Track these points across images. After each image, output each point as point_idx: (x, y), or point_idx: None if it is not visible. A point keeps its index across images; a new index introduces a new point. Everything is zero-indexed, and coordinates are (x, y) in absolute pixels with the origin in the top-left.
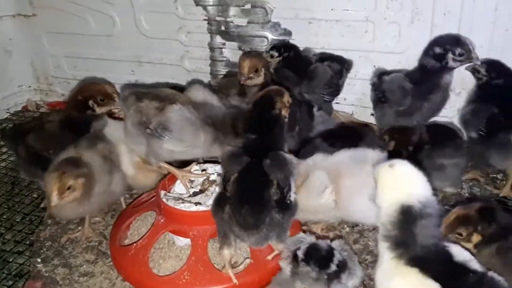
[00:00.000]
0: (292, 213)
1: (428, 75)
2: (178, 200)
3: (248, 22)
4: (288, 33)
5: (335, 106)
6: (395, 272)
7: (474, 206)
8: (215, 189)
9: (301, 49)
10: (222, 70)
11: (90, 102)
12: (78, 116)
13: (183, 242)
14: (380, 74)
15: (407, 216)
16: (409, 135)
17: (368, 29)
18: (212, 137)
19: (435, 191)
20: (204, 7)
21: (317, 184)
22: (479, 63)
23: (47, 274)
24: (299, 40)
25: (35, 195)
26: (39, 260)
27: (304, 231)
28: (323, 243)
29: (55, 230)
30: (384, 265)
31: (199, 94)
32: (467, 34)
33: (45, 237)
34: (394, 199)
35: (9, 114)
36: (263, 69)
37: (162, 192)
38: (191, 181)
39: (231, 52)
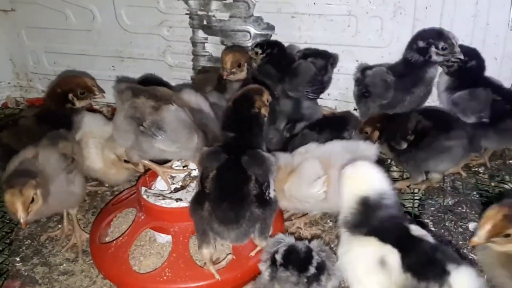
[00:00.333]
0: (273, 209)
1: (412, 69)
2: (158, 196)
3: (230, 16)
4: (271, 27)
5: (318, 101)
6: (354, 243)
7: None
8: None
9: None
10: (205, 65)
11: (70, 96)
12: (57, 110)
13: (164, 239)
14: (364, 69)
15: (366, 206)
16: (405, 124)
17: (351, 23)
18: (203, 142)
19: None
20: (186, 1)
21: (310, 173)
22: (462, 57)
23: (26, 273)
24: (282, 35)
25: None
26: (18, 259)
27: (286, 230)
28: (301, 245)
29: (35, 229)
30: (344, 241)
31: (191, 99)
32: (448, 27)
33: (24, 235)
34: (355, 193)
35: None
36: (246, 64)
37: (143, 189)
38: (173, 177)
39: (213, 46)
